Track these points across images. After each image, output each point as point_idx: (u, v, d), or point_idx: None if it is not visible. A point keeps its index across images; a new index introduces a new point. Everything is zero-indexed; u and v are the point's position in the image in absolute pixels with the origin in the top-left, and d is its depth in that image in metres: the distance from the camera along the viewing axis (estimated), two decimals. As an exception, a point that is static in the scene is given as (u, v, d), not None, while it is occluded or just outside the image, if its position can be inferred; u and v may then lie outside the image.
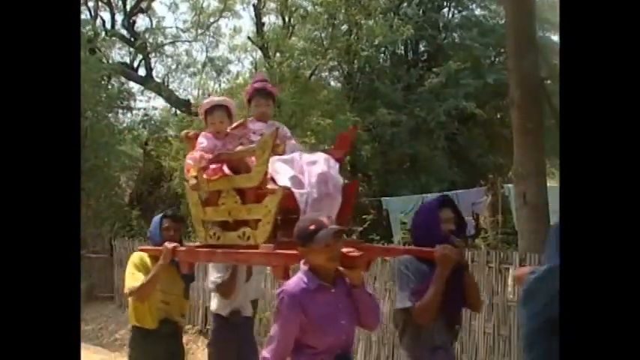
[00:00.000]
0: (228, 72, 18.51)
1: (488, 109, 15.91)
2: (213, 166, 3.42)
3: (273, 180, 3.18)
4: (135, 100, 18.32)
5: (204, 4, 17.88)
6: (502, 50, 15.41)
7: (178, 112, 16.69)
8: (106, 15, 18.02)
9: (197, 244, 3.79)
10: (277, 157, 3.34)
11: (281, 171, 3.19)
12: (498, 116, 16.70)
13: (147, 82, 17.38)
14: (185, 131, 3.94)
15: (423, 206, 3.62)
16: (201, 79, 18.42)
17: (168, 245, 3.84)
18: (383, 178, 16.42)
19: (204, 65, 18.31)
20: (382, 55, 17.88)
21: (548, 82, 7.56)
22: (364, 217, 8.09)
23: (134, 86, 18.25)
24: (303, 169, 3.20)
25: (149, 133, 17.11)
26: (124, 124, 17.48)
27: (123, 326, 9.95)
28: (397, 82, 15.97)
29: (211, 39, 18.74)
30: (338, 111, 14.10)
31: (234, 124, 3.72)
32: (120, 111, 17.49)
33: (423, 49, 18.20)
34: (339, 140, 3.74)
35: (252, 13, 16.57)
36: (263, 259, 3.25)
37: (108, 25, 17.74)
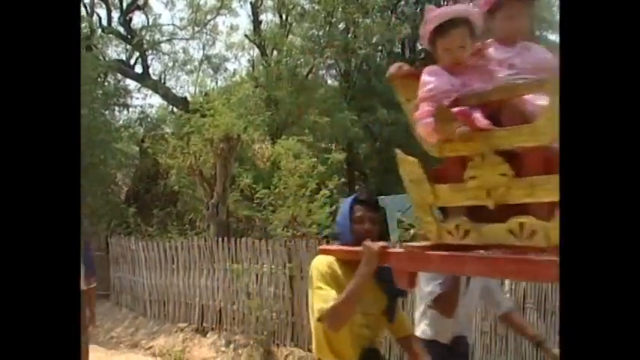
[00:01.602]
0: (225, 70, 18.53)
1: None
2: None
3: None
4: (131, 98, 18.27)
5: (201, 2, 17.87)
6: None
7: (175, 109, 16.67)
8: (102, 12, 18.01)
9: (421, 244, 2.44)
10: None
11: None
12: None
13: (143, 79, 17.34)
14: (397, 65, 2.45)
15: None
16: (198, 77, 18.40)
17: (372, 245, 2.53)
18: (380, 177, 16.45)
19: (201, 63, 18.29)
20: (379, 53, 17.91)
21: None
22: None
23: (130, 83, 18.22)
24: None
25: (145, 130, 17.08)
26: (120, 122, 17.44)
27: (119, 324, 9.95)
28: (395, 81, 15.96)
29: (208, 37, 18.73)
30: (335, 109, 14.11)
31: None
32: (116, 108, 17.45)
33: (420, 47, 18.23)
34: None
35: (250, 11, 16.57)
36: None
37: (104, 22, 17.68)
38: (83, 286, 4.84)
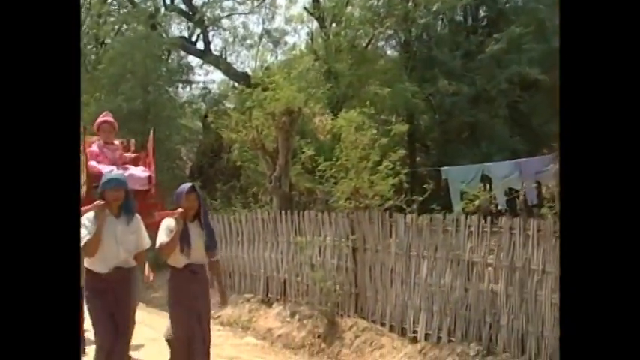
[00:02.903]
0: (285, 43, 18.52)
1: (553, 75, 15.32)
2: None
3: None
4: (194, 74, 18.61)
5: (260, -24, 17.85)
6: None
7: (236, 84, 16.85)
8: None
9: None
10: None
11: None
12: (564, 82, 16.06)
13: (205, 55, 17.59)
14: None
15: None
16: (258, 51, 18.50)
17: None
18: (441, 148, 16.18)
19: (260, 37, 18.36)
20: (440, 22, 17.45)
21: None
22: (424, 186, 8.00)
23: (193, 60, 18.52)
24: None
25: (208, 106, 17.38)
26: (184, 98, 17.82)
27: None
28: (456, 50, 15.56)
29: (267, 11, 18.74)
30: (396, 80, 13.90)
31: None
32: (180, 85, 17.82)
33: (482, 14, 17.65)
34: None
35: (308, -16, 16.43)
36: None
37: (167, 1, 17.98)
38: (205, 260, 4.91)
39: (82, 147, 5.61)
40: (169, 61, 17.34)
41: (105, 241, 4.42)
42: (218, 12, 18.56)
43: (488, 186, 10.89)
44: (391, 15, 15.02)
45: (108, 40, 17.57)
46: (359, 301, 7.42)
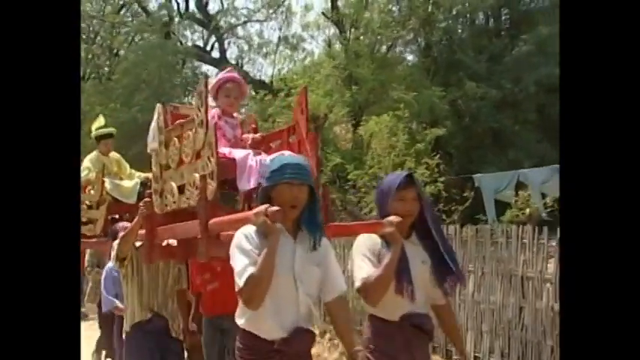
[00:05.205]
0: (303, 50, 18.15)
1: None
2: None
3: None
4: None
5: (275, -17, 17.54)
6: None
7: (253, 92, 16.50)
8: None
9: None
10: None
11: None
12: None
13: (221, 64, 17.24)
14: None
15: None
16: (276, 58, 18.15)
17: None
18: (465, 155, 15.65)
19: (278, 44, 18.00)
20: (459, 25, 16.99)
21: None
22: (465, 195, 7.48)
23: (208, 68, 18.20)
24: None
25: (225, 115, 16.99)
26: (200, 108, 17.44)
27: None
28: (480, 53, 15.08)
29: (283, 18, 18.41)
30: (419, 85, 13.44)
31: None
32: (195, 94, 17.50)
33: (504, 16, 17.17)
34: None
35: (324, -11, 16.07)
36: None
37: (182, 9, 17.71)
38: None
39: (204, 118, 3.16)
40: (184, 70, 17.01)
41: (277, 281, 2.29)
42: (233, 20, 18.29)
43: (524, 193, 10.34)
44: (412, 18, 14.60)
45: (122, 52, 17.30)
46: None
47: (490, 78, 14.31)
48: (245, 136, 3.66)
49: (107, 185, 5.26)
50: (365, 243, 2.66)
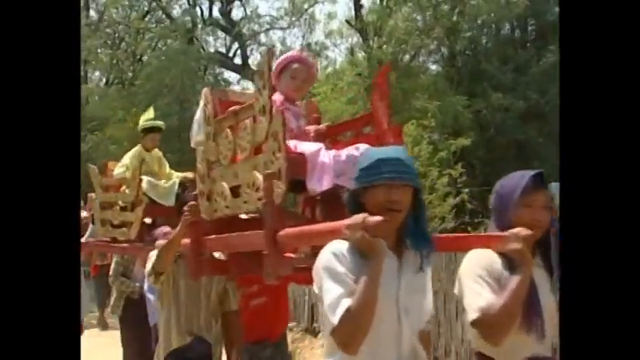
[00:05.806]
0: (326, 57, 18.13)
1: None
2: None
3: None
4: (231, 90, 18.35)
5: (299, -8, 17.58)
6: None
7: (275, 100, 16.50)
8: (203, 5, 18.12)
9: None
10: None
11: None
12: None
13: (243, 70, 17.30)
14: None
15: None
16: (298, 66, 18.15)
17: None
18: (489, 167, 15.39)
19: (301, 51, 18.01)
20: (485, 35, 16.80)
21: None
22: (489, 208, 7.29)
23: (230, 75, 18.25)
24: None
25: (248, 122, 17.00)
26: (221, 114, 17.50)
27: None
28: (505, 64, 14.86)
29: (306, 25, 18.43)
30: (443, 94, 13.28)
31: None
32: (217, 101, 17.55)
33: (531, 27, 16.93)
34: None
35: (348, -2, 16.02)
36: None
37: (205, 15, 17.81)
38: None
39: (267, 103, 2.55)
40: (206, 76, 17.05)
41: (377, 314, 1.78)
42: (256, 27, 18.33)
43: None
44: (436, 27, 14.45)
45: (145, 57, 17.41)
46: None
47: (515, 89, 14.09)
48: (307, 127, 3.02)
49: (144, 185, 4.47)
50: (480, 262, 2.01)
